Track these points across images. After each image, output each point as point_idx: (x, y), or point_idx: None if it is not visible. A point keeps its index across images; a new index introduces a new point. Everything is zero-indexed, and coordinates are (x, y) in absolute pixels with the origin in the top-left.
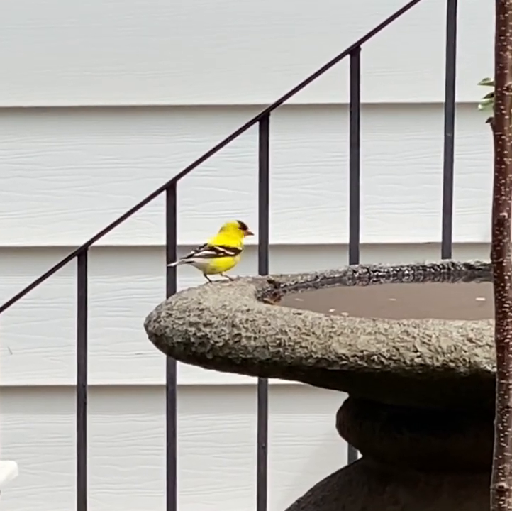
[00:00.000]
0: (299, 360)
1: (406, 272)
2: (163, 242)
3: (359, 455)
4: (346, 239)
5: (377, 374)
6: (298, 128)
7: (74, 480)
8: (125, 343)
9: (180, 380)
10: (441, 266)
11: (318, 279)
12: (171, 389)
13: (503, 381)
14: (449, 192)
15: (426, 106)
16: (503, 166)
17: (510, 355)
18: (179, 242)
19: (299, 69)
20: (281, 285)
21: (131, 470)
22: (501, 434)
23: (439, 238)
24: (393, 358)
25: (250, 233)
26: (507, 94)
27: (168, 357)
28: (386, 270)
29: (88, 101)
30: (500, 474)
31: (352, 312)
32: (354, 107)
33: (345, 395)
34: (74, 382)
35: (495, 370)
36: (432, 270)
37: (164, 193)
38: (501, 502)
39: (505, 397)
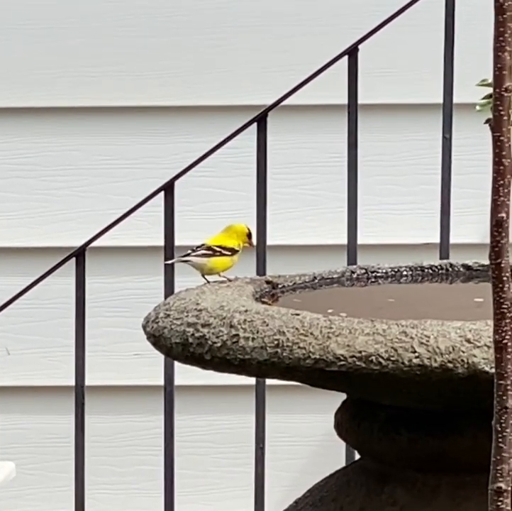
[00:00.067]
0: (297, 360)
1: (404, 272)
2: (161, 242)
3: (357, 456)
4: (344, 240)
5: (375, 375)
6: (297, 129)
7: (72, 481)
8: (123, 344)
9: (178, 380)
10: (439, 267)
11: (316, 280)
12: (169, 389)
13: (501, 382)
14: (447, 193)
15: (424, 107)
16: (501, 167)
17: (508, 356)
18: (177, 243)
19: (297, 69)
20: (279, 286)
21: (129, 470)
22: (499, 435)
23: (437, 239)
24: (392, 358)
25: (251, 244)
26: (505, 95)
27: (166, 357)
28: (384, 271)
29: (87, 101)
30: (498, 475)
31: (350, 313)
32: (352, 108)
33: (343, 396)
34: (72, 382)
35: (493, 370)
36: (431, 271)
37: (162, 194)
38: (499, 503)
39: (504, 397)
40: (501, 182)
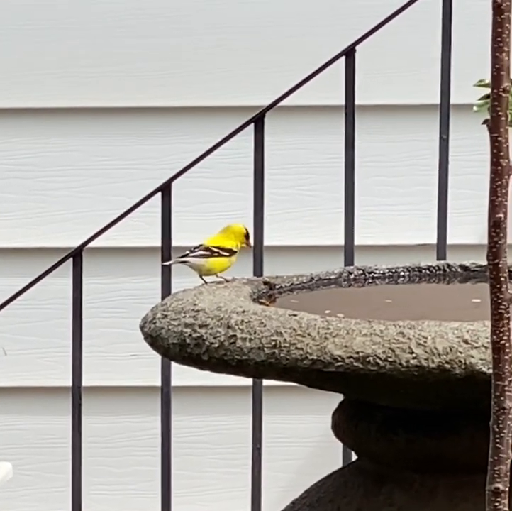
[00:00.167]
0: (295, 361)
1: (402, 273)
2: (158, 243)
3: (354, 457)
4: (341, 240)
5: (373, 375)
6: (294, 130)
7: (69, 482)
8: (120, 345)
9: (175, 381)
10: (437, 267)
11: (314, 281)
12: (166, 390)
13: (498, 382)
14: (444, 194)
15: (421, 107)
16: (499, 168)
17: (506, 357)
18: (174, 243)
19: (294, 70)
20: (277, 287)
21: (126, 471)
22: (497, 436)
23: (434, 240)
24: (389, 359)
25: (249, 245)
26: (503, 95)
27: (163, 358)
28: (381, 272)
29: (85, 102)
30: (496, 475)
31: (347, 314)
32: (350, 109)
33: (340, 397)
34: (69, 383)
35: (490, 371)
36: (428, 272)
37: (159, 194)
38: (497, 504)
39: (501, 398)
40: (499, 182)
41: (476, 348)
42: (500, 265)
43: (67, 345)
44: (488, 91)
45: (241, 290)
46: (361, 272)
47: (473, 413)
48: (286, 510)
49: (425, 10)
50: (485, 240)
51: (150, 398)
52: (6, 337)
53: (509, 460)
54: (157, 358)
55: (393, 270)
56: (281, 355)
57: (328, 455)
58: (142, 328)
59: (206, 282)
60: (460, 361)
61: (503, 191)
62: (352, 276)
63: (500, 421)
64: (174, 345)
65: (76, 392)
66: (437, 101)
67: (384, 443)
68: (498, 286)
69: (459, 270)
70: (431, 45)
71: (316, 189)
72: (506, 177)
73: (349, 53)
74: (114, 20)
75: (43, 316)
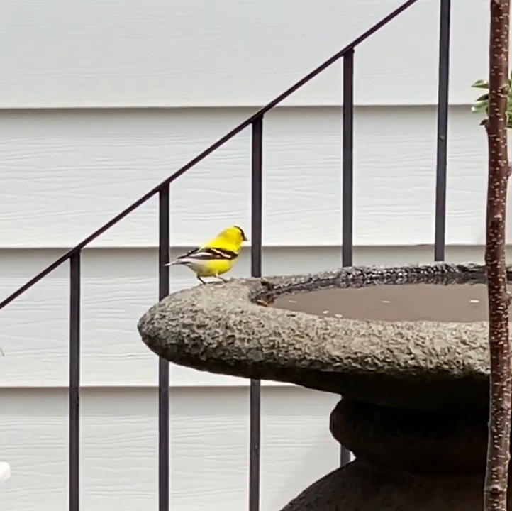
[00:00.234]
0: (293, 361)
1: (400, 274)
2: (156, 244)
3: (352, 458)
4: (339, 241)
5: (371, 376)
6: (292, 130)
7: (67, 482)
8: (117, 345)
9: (172, 381)
10: (435, 268)
11: (312, 281)
12: (163, 391)
13: (497, 383)
14: (442, 194)
15: (420, 108)
16: (497, 168)
17: (504, 358)
18: (172, 244)
19: (293, 71)
20: (275, 287)
21: (124, 471)
22: (495, 436)
23: (432, 240)
24: (387, 360)
25: (245, 239)
26: (502, 96)
27: (161, 358)
28: (379, 272)
29: (84, 102)
30: (494, 476)
31: (345, 314)
32: (348, 109)
33: (338, 397)
34: (66, 383)
35: (488, 372)
36: (426, 272)
37: (157, 195)
38: (495, 505)
39: (499, 399)
40: (497, 183)
41: (474, 348)
42: (498, 266)
43: (65, 346)
44: (486, 91)
45: (239, 291)
46: (359, 272)
47: (471, 414)
48: (285, 510)
49: (424, 10)
50: (483, 241)
51: (148, 398)
52: (4, 337)
53: (507, 461)
54: (154, 358)
55: (392, 271)
56: (280, 355)
57: (326, 456)
58: (140, 328)
59: (204, 283)
60: (458, 362)
61: (502, 191)
62: (350, 276)
63: (498, 422)
64: (172, 346)
65: (74, 392)
66: (436, 101)
67: (382, 444)
68: (496, 287)
69: (457, 270)
70: (429, 45)
71: (314, 190)
72: (504, 177)
73: (347, 54)
74: (113, 21)
75: (41, 316)
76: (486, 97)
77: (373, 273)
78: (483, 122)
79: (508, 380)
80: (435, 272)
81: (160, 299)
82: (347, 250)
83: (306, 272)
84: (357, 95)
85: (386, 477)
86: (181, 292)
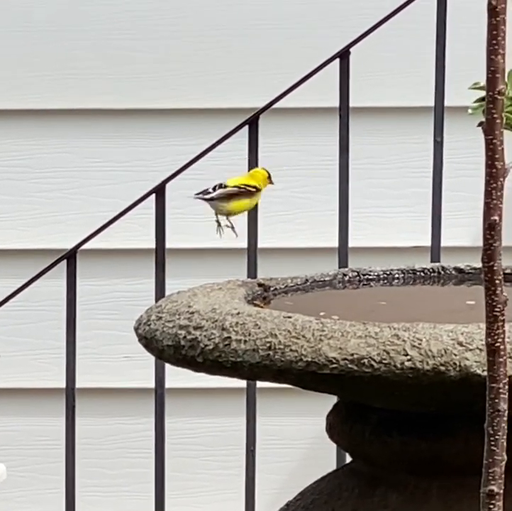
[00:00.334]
0: (289, 363)
1: (396, 275)
2: (152, 245)
3: (348, 459)
4: (335, 243)
5: (367, 377)
6: (288, 132)
7: (63, 483)
8: (113, 346)
9: (168, 383)
10: (431, 270)
11: (308, 283)
12: (159, 392)
13: (493, 385)
14: (438, 196)
15: (416, 110)
16: (494, 170)
17: (500, 359)
18: (167, 245)
19: (289, 72)
20: (271, 289)
21: (119, 473)
22: (492, 438)
23: (428, 242)
24: (384, 361)
25: (272, 182)
26: (499, 97)
27: (156, 360)
28: (376, 274)
29: (78, 104)
30: (490, 478)
31: (342, 316)
32: (344, 111)
33: (334, 399)
34: (62, 385)
35: (485, 373)
36: (422, 274)
37: (153, 196)
38: (491, 506)
39: (496, 400)
40: (494, 185)
41: (470, 350)
42: (495, 268)
43: (61, 347)
44: (483, 93)
45: (235, 292)
46: (355, 274)
47: (468, 415)
48: None
49: (420, 12)
50: (479, 243)
51: (144, 400)
52: (0, 339)
53: (504, 463)
54: (150, 359)
55: (388, 272)
56: (276, 357)
57: (322, 458)
58: (136, 330)
59: (219, 225)
60: (455, 363)
61: (498, 193)
62: (346, 278)
63: (495, 424)
64: (168, 347)
65: (70, 393)
66: (432, 103)
67: (378, 445)
68: (493, 288)
69: (453, 272)
70: (426, 47)
71: (310, 191)
72: (501, 179)
73: (343, 55)
74: (109, 23)
75: (37, 317)
76: (482, 99)
77: (369, 275)
78: (480, 124)
79: (504, 381)
80: (432, 274)
81: (156, 300)
82: (343, 252)
83: (302, 273)
84: (353, 97)
85: (382, 479)
86: (177, 293)
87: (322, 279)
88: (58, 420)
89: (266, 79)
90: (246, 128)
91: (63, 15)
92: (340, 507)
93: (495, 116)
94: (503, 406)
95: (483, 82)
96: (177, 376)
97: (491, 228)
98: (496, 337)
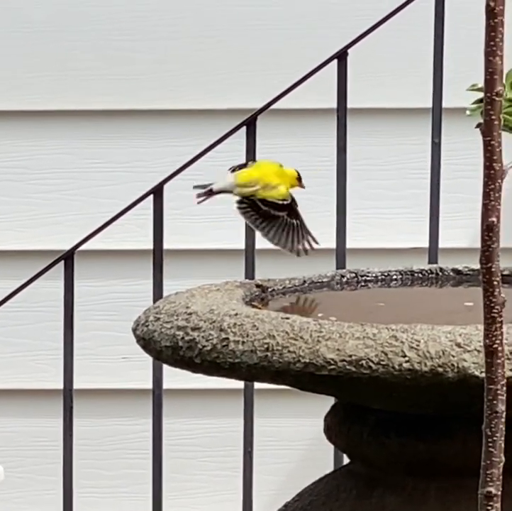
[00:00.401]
0: (287, 364)
1: (394, 276)
2: (150, 246)
3: (346, 460)
4: (333, 244)
5: (365, 379)
6: (286, 133)
7: (60, 484)
8: (111, 347)
9: (166, 384)
10: (429, 271)
11: (306, 284)
12: (157, 393)
13: (491, 386)
14: (436, 197)
15: (414, 111)
16: (492, 171)
17: (498, 361)
18: (165, 246)
19: (286, 73)
20: (269, 290)
21: (117, 474)
22: (490, 439)
23: (426, 243)
24: (382, 362)
25: (302, 186)
26: (497, 99)
27: (154, 361)
28: (374, 275)
29: (76, 105)
30: (488, 479)
31: (340, 317)
32: (342, 112)
33: (332, 400)
34: (60, 386)
35: (483, 375)
36: (420, 275)
37: (151, 197)
38: (489, 508)
39: (494, 402)
40: (492, 186)
41: (468, 351)
42: (493, 269)
43: (59, 348)
44: (481, 95)
45: (233, 293)
46: (353, 275)
47: (465, 417)
48: None
49: (418, 13)
50: (477, 244)
51: (142, 401)
52: None
53: (502, 464)
54: (148, 360)
55: (386, 274)
56: (274, 358)
57: (320, 459)
58: (134, 330)
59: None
60: (453, 365)
61: (496, 195)
62: (344, 279)
63: (492, 425)
64: (166, 348)
65: (68, 394)
66: (430, 104)
67: (376, 447)
68: (491, 290)
69: (451, 273)
70: (424, 48)
71: (308, 192)
72: (499, 180)
73: (341, 56)
74: (108, 23)
75: (35, 318)
76: (480, 101)
77: (367, 276)
78: (478, 125)
79: (502, 383)
80: (430, 275)
81: (154, 301)
82: (340, 253)
83: (300, 274)
84: (351, 98)
85: (380, 480)
86: (175, 294)
87: (320, 280)
88: (56, 421)
89: (264, 80)
90: (244, 128)
91: (62, 15)
92: (337, 509)
93: (493, 117)
94: (501, 407)
95: (481, 84)
96: (175, 377)
97: (489, 230)
98: (494, 338)
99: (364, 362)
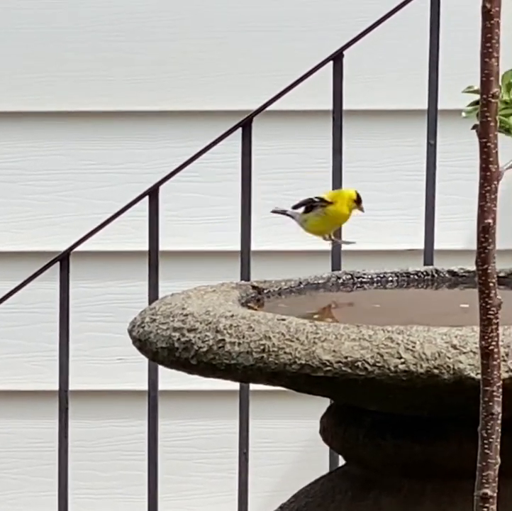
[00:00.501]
0: (283, 366)
1: (390, 278)
2: (145, 247)
3: (342, 462)
4: (328, 245)
5: (361, 380)
6: (281, 134)
7: (56, 486)
8: (106, 349)
9: (162, 385)
10: (425, 273)
11: (302, 285)
12: (152, 394)
13: (487, 388)
14: (431, 199)
15: (409, 112)
16: (488, 173)
17: (494, 363)
18: (161, 247)
19: (282, 75)
20: (265, 291)
21: (113, 475)
22: (485, 441)
23: (421, 245)
24: (378, 364)
25: (361, 209)
26: (493, 100)
27: (150, 362)
28: (369, 277)
29: (72, 106)
30: (484, 481)
31: (336, 318)
32: (337, 113)
33: (327, 401)
34: (55, 387)
35: (479, 377)
36: (416, 277)
37: (146, 198)
38: (485, 509)
39: (490, 403)
40: (488, 187)
41: (464, 353)
42: (489, 271)
43: (54, 349)
44: (477, 97)
45: (229, 294)
46: (349, 276)
47: (461, 418)
48: None
49: (414, 15)
50: (473, 246)
51: (137, 402)
52: None
53: (497, 466)
54: (143, 362)
55: (382, 275)
56: (270, 359)
57: (316, 460)
58: (130, 332)
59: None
60: (448, 366)
61: (492, 196)
62: (340, 281)
63: (488, 427)
64: (162, 350)
65: (63, 396)
66: (425, 106)
67: (371, 448)
68: (486, 291)
69: (447, 275)
70: (419, 50)
71: (303, 194)
72: (495, 182)
73: (337, 58)
74: (106, 24)
75: (30, 319)
76: (476, 102)
77: (363, 277)
78: (474, 127)
79: (498, 384)
80: (425, 277)
81: (150, 302)
82: (335, 255)
83: (296, 276)
84: (347, 99)
85: (375, 482)
86: (171, 295)
87: (316, 281)
88: (51, 422)
89: (260, 82)
90: (239, 130)
91: (59, 17)
92: (333, 510)
93: (489, 119)
94: (497, 409)
95: (477, 85)
96: (170, 378)
97: (485, 231)
98: (489, 340)
99: (359, 363)
